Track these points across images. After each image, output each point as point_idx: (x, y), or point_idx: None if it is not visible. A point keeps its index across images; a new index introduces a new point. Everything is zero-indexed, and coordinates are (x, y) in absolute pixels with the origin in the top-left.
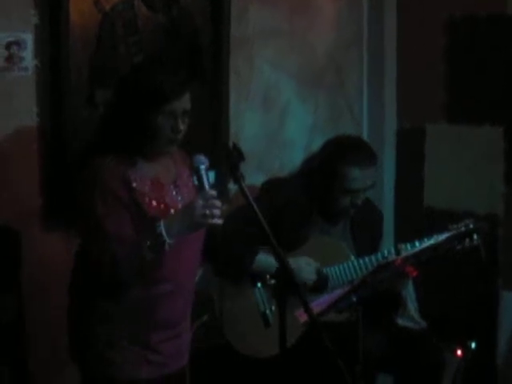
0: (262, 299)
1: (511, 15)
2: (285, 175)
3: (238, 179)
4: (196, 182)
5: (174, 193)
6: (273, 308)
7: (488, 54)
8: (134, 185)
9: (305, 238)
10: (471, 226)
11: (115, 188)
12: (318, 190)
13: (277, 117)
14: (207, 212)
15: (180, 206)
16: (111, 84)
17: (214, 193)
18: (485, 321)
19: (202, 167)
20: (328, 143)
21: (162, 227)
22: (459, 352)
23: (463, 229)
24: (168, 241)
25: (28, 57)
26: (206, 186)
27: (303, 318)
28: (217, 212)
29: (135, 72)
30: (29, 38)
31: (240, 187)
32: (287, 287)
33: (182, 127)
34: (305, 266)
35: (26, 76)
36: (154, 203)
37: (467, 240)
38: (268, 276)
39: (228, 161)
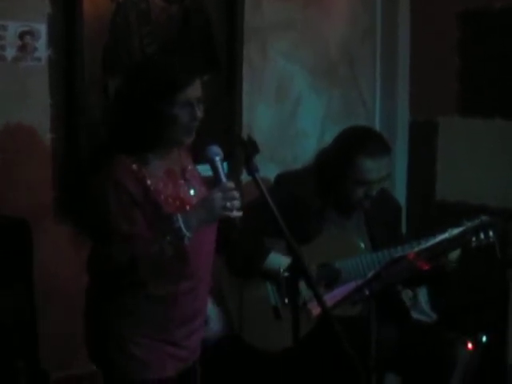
0: (273, 292)
1: None
2: (298, 167)
3: (252, 171)
4: (212, 174)
5: (186, 187)
6: (285, 301)
7: (501, 47)
8: (149, 183)
9: (318, 231)
10: (486, 220)
11: (130, 187)
12: (331, 182)
13: (290, 108)
14: (228, 204)
15: (194, 199)
16: (124, 73)
17: (232, 184)
18: (496, 314)
19: (217, 158)
20: (341, 134)
21: (180, 221)
22: (470, 345)
23: (477, 223)
24: (187, 235)
25: (41, 47)
26: (223, 178)
27: (316, 311)
28: (237, 204)
29: (145, 64)
30: (42, 28)
31: (254, 179)
32: (301, 279)
33: (199, 114)
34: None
35: (39, 66)
36: (170, 200)
37: (482, 236)
38: (281, 269)
39: (242, 153)
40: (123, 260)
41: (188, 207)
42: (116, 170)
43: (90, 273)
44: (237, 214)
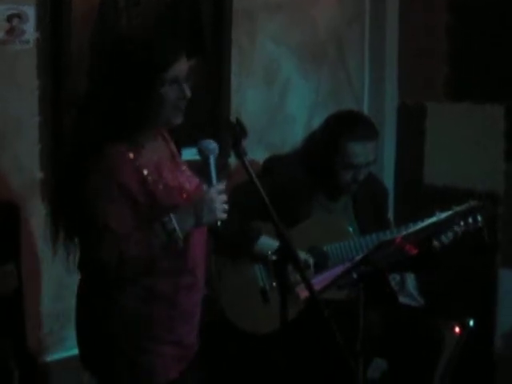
0: (261, 275)
1: None
2: (286, 151)
3: (240, 154)
4: (204, 168)
5: (178, 172)
6: (273, 284)
7: (491, 32)
8: (146, 172)
9: (306, 215)
10: (474, 204)
11: (125, 179)
12: (319, 166)
13: (278, 92)
14: (225, 207)
15: (188, 182)
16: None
17: (223, 187)
18: (483, 298)
19: (212, 158)
20: (329, 119)
21: (174, 223)
22: (457, 329)
23: (466, 207)
24: (181, 236)
25: (29, 30)
26: (214, 180)
27: (304, 294)
28: (226, 207)
29: (128, 43)
30: (30, 11)
31: (242, 163)
32: (288, 263)
33: (188, 93)
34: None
35: (27, 49)
36: (168, 189)
37: (470, 220)
38: (269, 252)
39: (231, 136)
40: (112, 259)
41: (185, 195)
42: (109, 160)
43: (82, 275)
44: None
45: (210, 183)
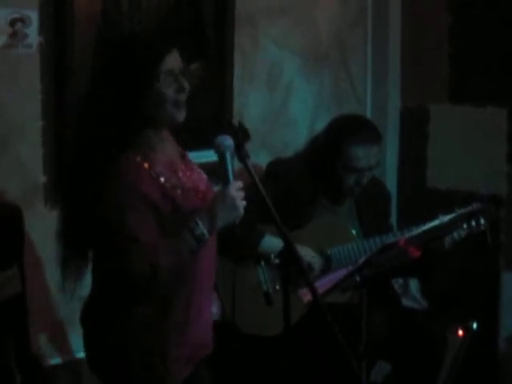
0: (264, 278)
1: None
2: (289, 154)
3: (243, 158)
4: (220, 165)
5: (189, 171)
6: (276, 287)
7: (493, 35)
8: (162, 180)
9: (309, 218)
10: (477, 207)
11: (145, 189)
12: (322, 170)
13: (281, 95)
14: (244, 203)
15: (201, 181)
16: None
17: (241, 183)
18: (486, 301)
19: (228, 154)
20: (332, 122)
21: (201, 227)
22: (460, 332)
23: (469, 210)
24: (208, 238)
25: (32, 34)
26: (231, 177)
27: (307, 297)
28: (245, 203)
29: (117, 44)
30: (33, 15)
31: (245, 166)
32: (292, 266)
33: (186, 86)
34: (309, 252)
35: (30, 53)
36: (186, 193)
37: (473, 223)
38: (272, 255)
39: (233, 139)
40: (145, 273)
41: (200, 195)
42: (127, 170)
43: (99, 288)
44: None
45: (227, 180)
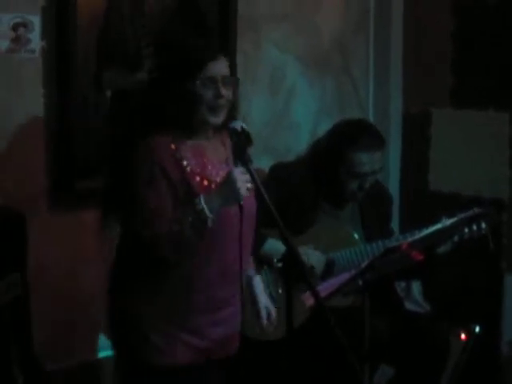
0: (267, 282)
1: None
2: (291, 158)
3: (245, 162)
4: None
5: (223, 170)
6: (279, 291)
7: (496, 39)
8: (185, 163)
9: (312, 223)
10: (479, 211)
11: (166, 165)
12: (325, 175)
13: (283, 100)
14: (249, 186)
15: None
16: (118, 65)
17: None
18: (489, 304)
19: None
20: (335, 127)
21: (202, 203)
22: (463, 335)
23: (470, 214)
24: (210, 216)
25: (35, 38)
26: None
27: (310, 301)
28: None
29: (169, 43)
30: (36, 20)
31: (248, 170)
32: (294, 270)
33: (225, 93)
34: (313, 254)
35: (32, 58)
36: (206, 183)
37: (475, 227)
38: (275, 259)
39: (236, 144)
40: (147, 234)
41: None
42: (156, 148)
43: (118, 254)
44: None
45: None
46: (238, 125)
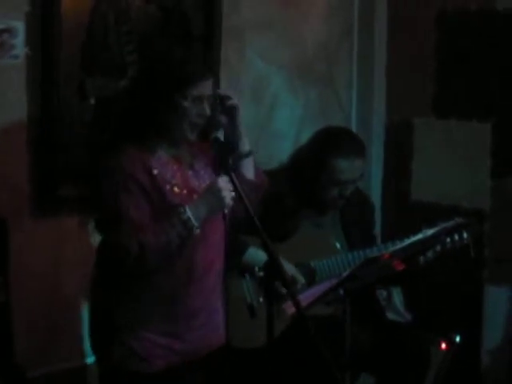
0: (248, 290)
1: (501, 10)
2: (274, 167)
3: (228, 171)
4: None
5: (193, 177)
6: (260, 299)
7: (478, 49)
8: (155, 172)
9: (294, 230)
10: (460, 221)
11: (138, 175)
12: (306, 182)
13: (266, 108)
14: (233, 194)
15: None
16: (102, 72)
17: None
18: (470, 314)
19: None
20: (316, 134)
21: (188, 213)
22: (444, 345)
23: (452, 224)
24: (196, 225)
25: (19, 45)
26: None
27: (291, 310)
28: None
29: (163, 56)
30: (20, 26)
31: (230, 179)
32: (275, 279)
33: (207, 112)
34: (292, 268)
35: (16, 64)
36: (177, 190)
37: (456, 237)
38: (256, 268)
39: (219, 152)
40: (132, 248)
41: (195, 196)
42: (125, 158)
43: (98, 261)
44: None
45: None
46: (220, 134)
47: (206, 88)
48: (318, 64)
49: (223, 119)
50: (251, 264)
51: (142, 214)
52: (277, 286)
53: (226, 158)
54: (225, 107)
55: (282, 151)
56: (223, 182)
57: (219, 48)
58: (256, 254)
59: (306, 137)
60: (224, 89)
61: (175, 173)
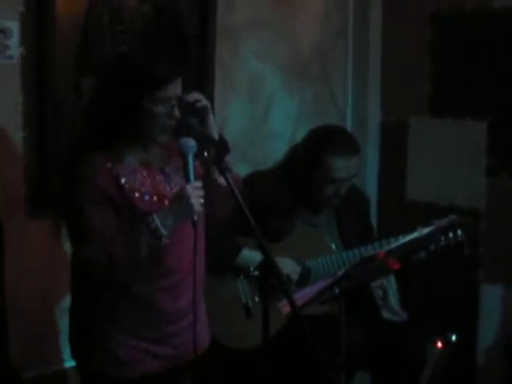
0: (244, 290)
1: (497, 9)
2: (269, 166)
3: (223, 171)
4: (183, 166)
5: (164, 182)
6: (255, 299)
7: (473, 48)
8: (123, 181)
9: (289, 230)
10: (455, 220)
11: (104, 185)
12: (301, 181)
13: (261, 108)
14: (201, 201)
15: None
16: (96, 72)
17: (199, 184)
18: (465, 313)
19: (190, 156)
20: (311, 133)
21: (156, 221)
22: (440, 344)
23: (447, 222)
24: (165, 234)
25: (14, 45)
26: (191, 177)
27: (286, 309)
28: (202, 201)
29: (127, 59)
30: (14, 26)
31: (225, 178)
32: (271, 278)
33: (177, 114)
34: (289, 263)
35: (11, 64)
36: (147, 197)
37: (451, 235)
38: (251, 268)
39: (214, 152)
40: (100, 260)
41: (166, 202)
42: (90, 168)
43: (72, 271)
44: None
45: (187, 180)
46: (188, 146)
47: (173, 89)
48: (313, 63)
49: (194, 121)
50: (246, 264)
51: (109, 224)
52: (272, 286)
53: (221, 157)
54: (196, 110)
55: (277, 150)
56: (191, 189)
57: (214, 47)
58: (250, 256)
59: (301, 136)
60: (191, 92)
61: (145, 180)
